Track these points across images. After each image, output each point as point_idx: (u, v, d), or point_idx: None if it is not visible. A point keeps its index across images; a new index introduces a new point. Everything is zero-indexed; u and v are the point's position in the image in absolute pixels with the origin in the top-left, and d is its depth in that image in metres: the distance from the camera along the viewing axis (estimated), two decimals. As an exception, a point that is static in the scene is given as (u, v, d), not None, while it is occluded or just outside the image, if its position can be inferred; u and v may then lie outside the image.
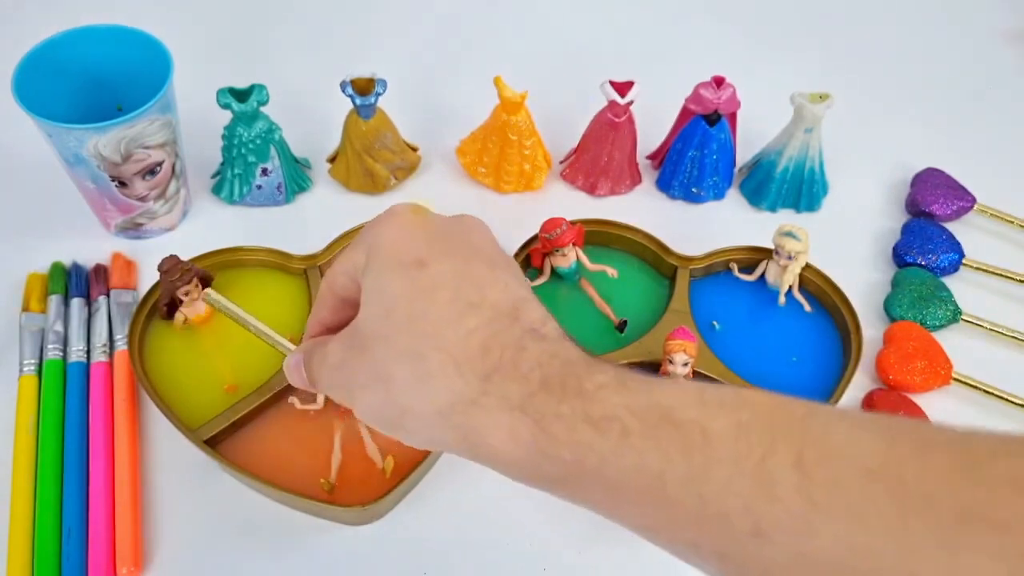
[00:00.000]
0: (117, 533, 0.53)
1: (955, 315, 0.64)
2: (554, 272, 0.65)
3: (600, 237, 0.67)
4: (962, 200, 0.71)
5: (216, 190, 0.70)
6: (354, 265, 0.34)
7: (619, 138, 0.68)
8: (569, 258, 0.64)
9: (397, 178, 0.71)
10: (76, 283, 0.64)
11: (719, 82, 0.68)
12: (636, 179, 0.73)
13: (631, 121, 0.68)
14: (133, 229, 0.67)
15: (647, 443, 0.28)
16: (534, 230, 0.64)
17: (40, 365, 0.60)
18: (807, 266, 0.64)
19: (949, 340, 0.63)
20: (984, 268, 0.68)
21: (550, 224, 0.62)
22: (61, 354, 0.60)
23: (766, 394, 0.29)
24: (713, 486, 0.27)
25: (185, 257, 0.60)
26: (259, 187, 0.68)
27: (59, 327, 0.61)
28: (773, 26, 0.87)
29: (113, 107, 0.65)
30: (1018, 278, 0.67)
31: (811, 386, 0.60)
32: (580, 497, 0.30)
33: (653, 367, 0.59)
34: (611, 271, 0.65)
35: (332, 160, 0.71)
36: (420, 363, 0.30)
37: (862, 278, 0.68)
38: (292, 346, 0.41)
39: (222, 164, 0.69)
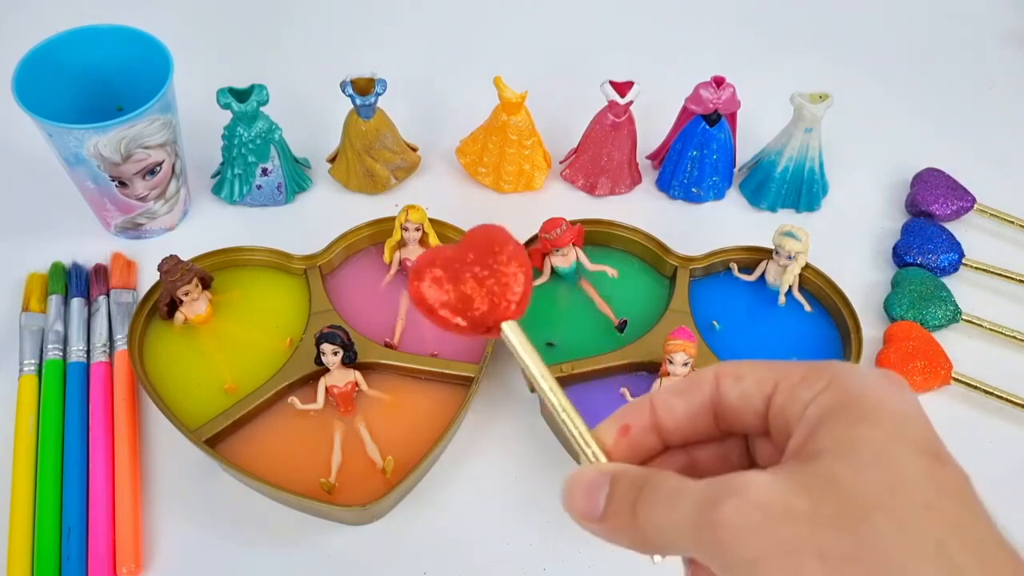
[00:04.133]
0: (117, 533, 0.53)
1: (955, 315, 0.64)
2: (554, 272, 0.65)
3: (600, 237, 0.67)
4: (962, 200, 0.71)
5: (216, 190, 0.70)
6: (794, 389, 0.26)
7: (619, 138, 0.68)
8: (569, 258, 0.64)
9: (397, 178, 0.71)
10: (76, 283, 0.64)
11: (719, 82, 0.68)
12: (636, 179, 0.73)
13: (631, 121, 0.68)
14: (133, 229, 0.67)
15: None
16: (534, 230, 0.64)
17: (40, 365, 0.60)
18: (807, 266, 0.64)
19: (949, 340, 0.63)
20: (984, 268, 0.68)
21: (550, 224, 0.62)
22: (61, 354, 0.60)
23: None
24: None
25: (185, 257, 0.60)
26: (259, 187, 0.68)
27: (59, 327, 0.61)
28: (773, 26, 0.87)
29: (113, 107, 0.66)
30: (1018, 278, 0.67)
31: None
32: None
33: (653, 367, 0.59)
34: (611, 271, 0.65)
35: (332, 160, 0.71)
36: (951, 570, 0.23)
37: (862, 278, 0.68)
38: (602, 456, 0.29)
39: (222, 164, 0.69)
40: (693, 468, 0.28)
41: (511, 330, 0.30)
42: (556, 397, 0.29)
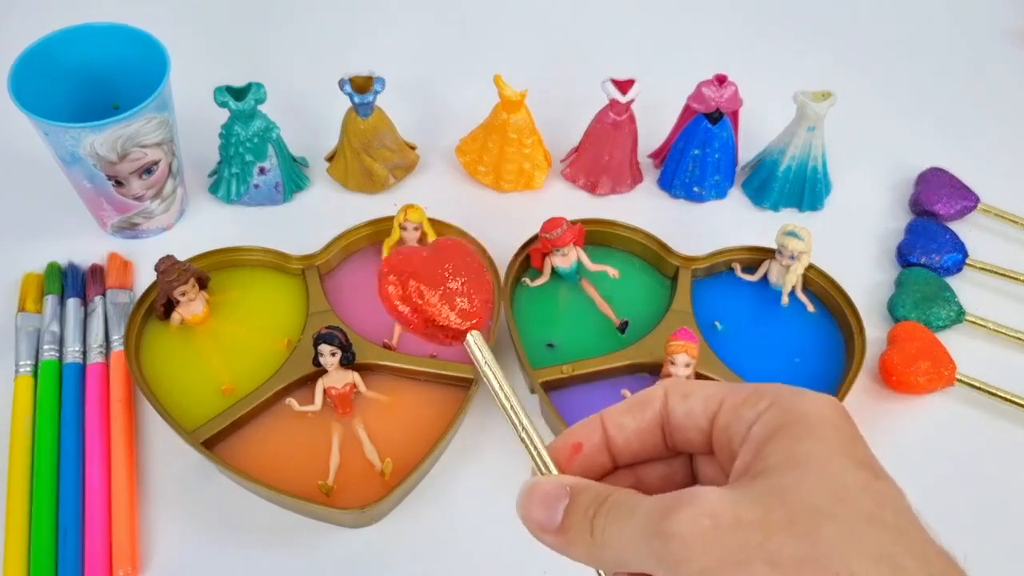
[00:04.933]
0: (114, 534, 0.53)
1: (959, 315, 0.64)
2: (555, 272, 0.64)
3: (601, 237, 0.66)
4: (966, 200, 0.70)
5: (213, 189, 0.69)
6: (739, 407, 0.27)
7: (620, 137, 0.68)
8: (570, 258, 0.63)
9: (396, 177, 0.70)
10: (72, 283, 0.63)
11: (721, 80, 0.67)
12: (637, 178, 0.72)
13: (632, 120, 0.68)
14: (129, 229, 0.66)
15: None
16: (534, 230, 0.63)
17: (36, 366, 0.59)
18: (810, 266, 0.63)
19: (953, 340, 0.63)
20: (988, 268, 0.67)
21: (550, 224, 0.62)
22: (57, 355, 0.60)
23: None
24: None
25: (182, 257, 0.60)
26: (257, 186, 0.68)
27: (55, 327, 0.60)
28: (776, 24, 0.87)
29: (109, 106, 0.65)
30: (1022, 278, 0.67)
31: (814, 387, 0.59)
32: None
33: (655, 368, 0.59)
34: (612, 271, 0.64)
35: (330, 159, 0.70)
36: (896, 572, 0.24)
37: (865, 278, 0.67)
38: (554, 468, 0.29)
39: (219, 163, 0.68)
40: (640, 488, 0.28)
41: (475, 340, 0.31)
42: (515, 411, 0.30)
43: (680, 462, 0.30)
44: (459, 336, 0.31)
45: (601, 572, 0.28)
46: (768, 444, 0.26)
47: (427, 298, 0.31)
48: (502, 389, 0.30)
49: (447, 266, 0.32)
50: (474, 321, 0.31)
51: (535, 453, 0.29)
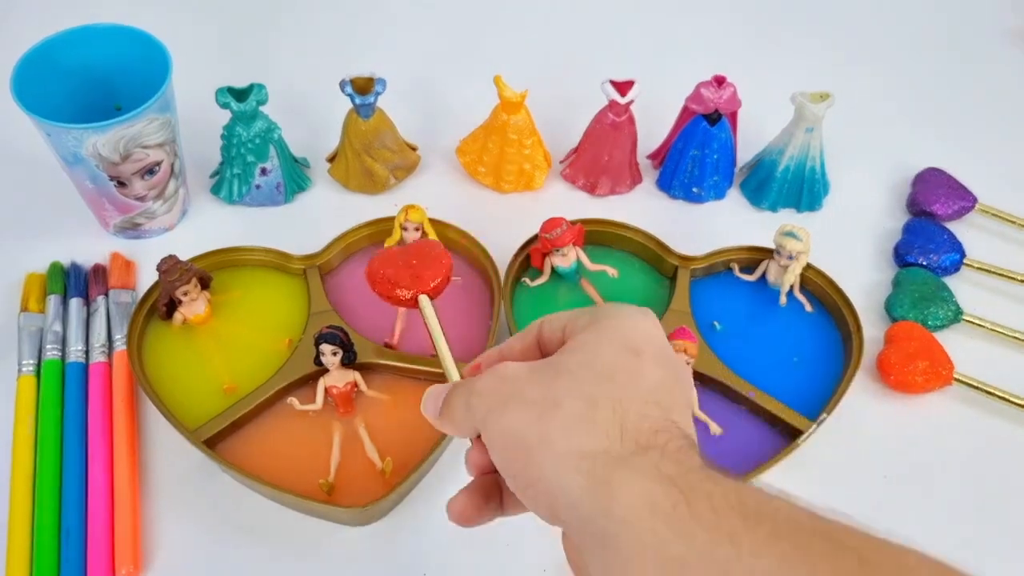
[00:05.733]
0: (116, 534, 0.53)
1: (956, 315, 0.64)
2: (554, 272, 0.64)
3: (600, 237, 0.66)
4: (963, 200, 0.71)
5: (215, 190, 0.70)
6: (573, 321, 0.36)
7: (619, 138, 0.68)
8: (569, 258, 0.64)
9: (396, 177, 0.71)
10: (75, 283, 0.63)
11: (720, 81, 0.68)
12: (636, 179, 0.72)
13: (631, 121, 0.68)
14: (132, 229, 0.67)
15: (795, 552, 0.26)
16: (534, 230, 0.64)
17: (39, 365, 0.60)
18: (808, 266, 0.63)
19: (950, 340, 0.63)
20: (985, 268, 0.68)
21: (550, 224, 0.62)
22: (60, 354, 0.60)
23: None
24: None
25: (184, 257, 0.60)
26: (258, 187, 0.68)
27: (58, 327, 0.61)
28: (774, 25, 0.87)
29: (112, 106, 0.65)
30: (1019, 278, 0.67)
31: (812, 386, 0.60)
32: None
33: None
34: (611, 271, 0.65)
35: (331, 159, 0.71)
36: (591, 407, 0.32)
37: (863, 278, 0.68)
38: (457, 375, 0.41)
39: (221, 164, 0.69)
40: None
41: (424, 302, 0.45)
42: (442, 347, 0.43)
43: None
44: (413, 299, 0.46)
45: (469, 441, 0.38)
46: (569, 340, 0.35)
47: (386, 272, 0.46)
48: (439, 338, 0.43)
49: (409, 254, 0.47)
50: (420, 288, 0.46)
51: (449, 373, 0.41)
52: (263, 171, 0.67)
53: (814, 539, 0.27)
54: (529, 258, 0.65)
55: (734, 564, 0.27)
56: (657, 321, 0.37)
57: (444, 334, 0.43)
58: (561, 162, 0.73)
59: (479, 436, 0.35)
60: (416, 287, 0.46)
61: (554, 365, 0.34)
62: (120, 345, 0.60)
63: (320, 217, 0.69)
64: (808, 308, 0.64)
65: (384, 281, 0.47)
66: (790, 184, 0.70)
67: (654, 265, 0.66)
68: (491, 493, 0.38)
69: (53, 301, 0.62)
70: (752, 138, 0.72)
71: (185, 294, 0.60)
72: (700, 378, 0.59)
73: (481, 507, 0.37)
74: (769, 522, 0.27)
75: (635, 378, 0.33)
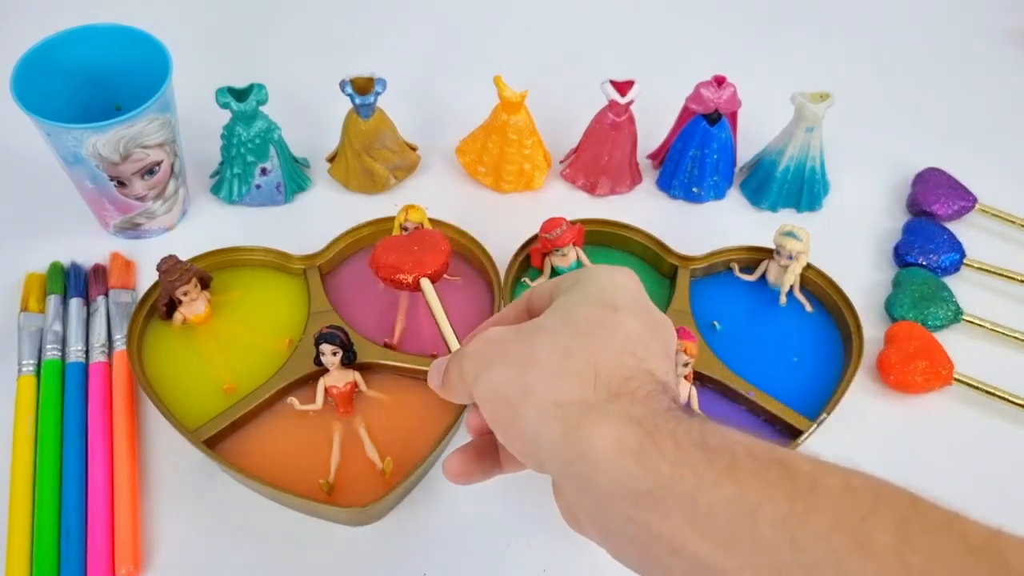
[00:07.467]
0: (116, 534, 0.53)
1: (956, 315, 0.64)
2: (554, 272, 0.64)
3: (600, 237, 0.66)
4: (963, 200, 0.71)
5: (215, 190, 0.70)
6: (557, 285, 0.39)
7: (619, 138, 0.68)
8: (569, 258, 0.64)
9: (397, 177, 0.71)
10: (75, 283, 0.63)
11: (720, 81, 0.68)
12: (636, 179, 0.73)
13: (631, 121, 0.68)
14: (132, 229, 0.67)
15: (753, 480, 0.29)
16: (534, 230, 0.64)
17: (39, 365, 0.60)
18: (808, 266, 0.63)
19: (950, 340, 0.63)
20: (985, 268, 0.68)
21: (550, 224, 0.62)
22: (60, 354, 0.60)
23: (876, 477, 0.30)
24: (809, 532, 0.27)
25: (184, 257, 0.60)
26: (258, 187, 0.68)
27: (58, 327, 0.61)
28: (774, 25, 0.87)
29: (112, 106, 0.65)
30: (1019, 278, 0.67)
31: (812, 386, 0.60)
32: (656, 519, 0.30)
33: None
34: (611, 271, 0.64)
35: (331, 159, 0.71)
36: (567, 359, 0.34)
37: (863, 278, 0.68)
38: (457, 345, 0.44)
39: (221, 164, 0.69)
40: None
41: (426, 284, 0.49)
42: (445, 326, 0.45)
43: None
44: (415, 283, 0.50)
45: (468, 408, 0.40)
46: (553, 301, 0.37)
47: (389, 259, 0.50)
48: (441, 315, 0.46)
49: (411, 241, 0.51)
50: (421, 272, 0.50)
51: (450, 345, 0.44)
52: (263, 171, 0.67)
53: (771, 467, 0.29)
54: (529, 258, 0.65)
55: (697, 494, 0.29)
56: (636, 277, 0.39)
57: (445, 311, 0.47)
58: (561, 162, 0.73)
59: None
60: (418, 271, 0.50)
61: (536, 325, 0.36)
62: (120, 345, 0.60)
63: (320, 217, 0.69)
64: (808, 308, 0.64)
65: (387, 266, 0.50)
66: (790, 184, 0.70)
67: (654, 265, 0.66)
68: (485, 452, 0.40)
69: (53, 301, 0.62)
70: (752, 138, 0.72)
71: (185, 294, 0.60)
72: (700, 378, 0.59)
73: (474, 465, 0.40)
74: (729, 454, 0.29)
75: (611, 331, 0.35)
